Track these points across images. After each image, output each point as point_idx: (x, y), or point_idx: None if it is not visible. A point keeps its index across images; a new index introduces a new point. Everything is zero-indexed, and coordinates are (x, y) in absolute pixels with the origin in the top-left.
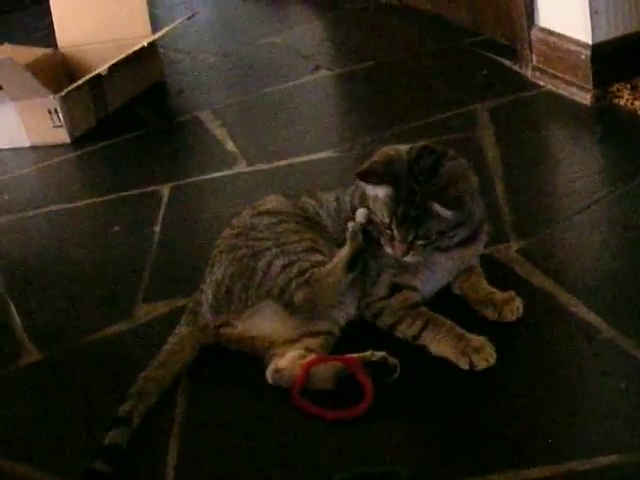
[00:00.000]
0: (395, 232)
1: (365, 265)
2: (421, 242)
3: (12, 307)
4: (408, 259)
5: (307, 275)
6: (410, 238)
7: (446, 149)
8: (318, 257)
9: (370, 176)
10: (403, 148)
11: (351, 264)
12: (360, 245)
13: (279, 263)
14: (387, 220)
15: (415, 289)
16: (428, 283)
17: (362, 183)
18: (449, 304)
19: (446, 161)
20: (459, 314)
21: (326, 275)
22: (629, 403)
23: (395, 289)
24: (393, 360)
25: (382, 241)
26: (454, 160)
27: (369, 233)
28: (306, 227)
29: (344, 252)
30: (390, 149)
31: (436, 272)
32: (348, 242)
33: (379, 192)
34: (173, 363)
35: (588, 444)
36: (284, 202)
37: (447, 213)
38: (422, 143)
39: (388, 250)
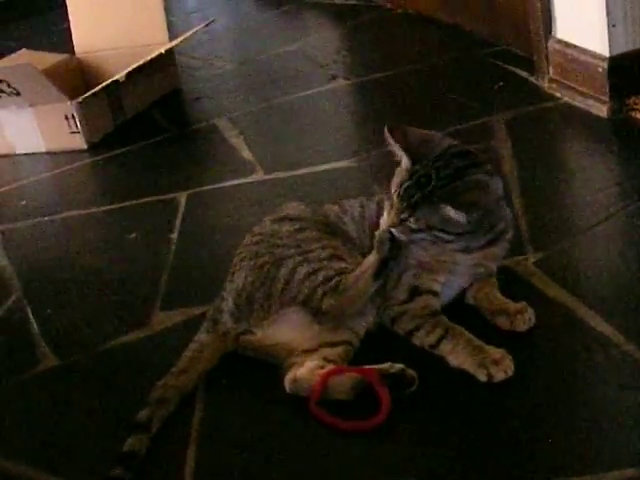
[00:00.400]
0: (394, 202)
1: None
2: (411, 225)
3: (29, 312)
4: (395, 232)
5: (333, 282)
6: (403, 216)
7: (485, 162)
8: (341, 264)
9: (399, 136)
10: (449, 140)
11: (378, 272)
12: (387, 253)
13: (303, 270)
14: (394, 188)
15: (435, 294)
16: (447, 287)
17: (387, 135)
18: (463, 315)
19: (478, 172)
20: (473, 325)
21: (354, 283)
22: None
23: (415, 293)
24: (411, 372)
25: (385, 209)
26: (486, 175)
27: (395, 239)
28: (328, 234)
29: (371, 260)
30: (439, 135)
31: (456, 274)
32: (375, 250)
33: (403, 160)
34: (193, 370)
35: (605, 457)
36: (305, 209)
37: (456, 215)
38: (469, 147)
39: (385, 218)
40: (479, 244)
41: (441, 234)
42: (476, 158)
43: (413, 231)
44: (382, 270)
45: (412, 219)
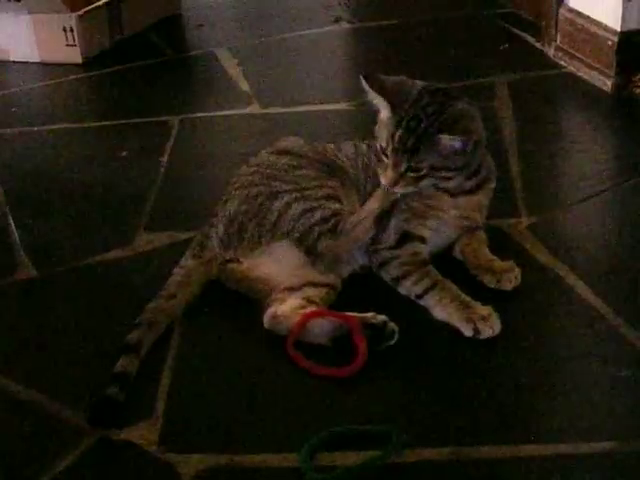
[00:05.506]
0: (389, 157)
1: None
2: (412, 174)
3: (11, 220)
4: (397, 189)
5: (331, 224)
6: (403, 168)
7: (462, 95)
8: (337, 206)
9: (374, 82)
10: (419, 81)
11: (379, 220)
12: (389, 201)
13: (299, 207)
14: (384, 144)
15: (423, 240)
16: (435, 236)
17: (363, 83)
18: (449, 269)
19: (460, 103)
20: (458, 280)
21: (353, 227)
22: (629, 392)
23: (404, 239)
24: (392, 326)
25: (379, 171)
26: (468, 105)
27: None
28: (325, 173)
29: (372, 207)
30: (406, 78)
31: (443, 223)
32: (379, 196)
33: (382, 110)
34: (182, 295)
35: (584, 428)
36: (303, 145)
37: (456, 142)
38: (442, 85)
39: (382, 180)
40: (465, 188)
41: (444, 172)
42: (452, 92)
43: (418, 179)
44: (383, 218)
45: (413, 163)
